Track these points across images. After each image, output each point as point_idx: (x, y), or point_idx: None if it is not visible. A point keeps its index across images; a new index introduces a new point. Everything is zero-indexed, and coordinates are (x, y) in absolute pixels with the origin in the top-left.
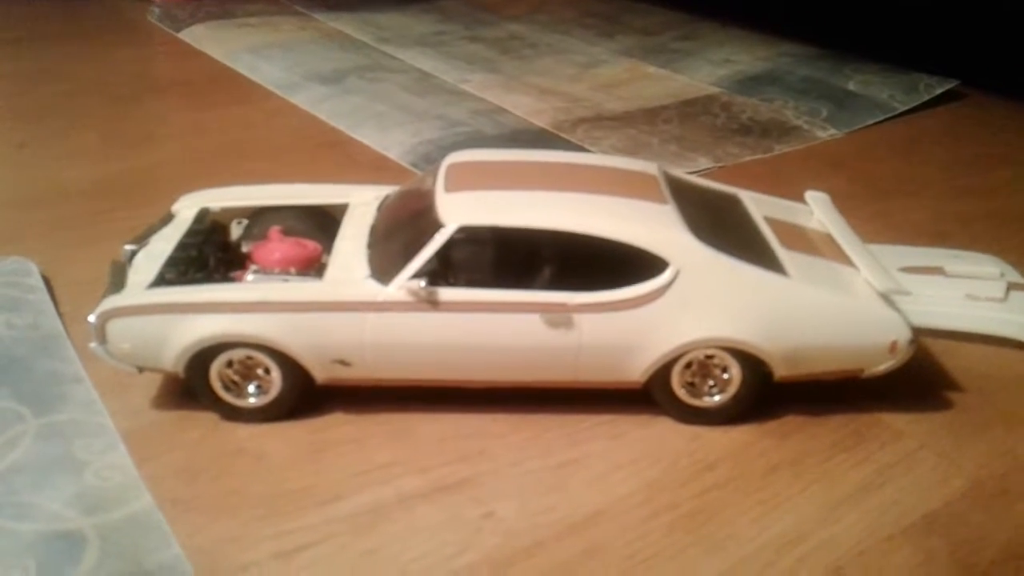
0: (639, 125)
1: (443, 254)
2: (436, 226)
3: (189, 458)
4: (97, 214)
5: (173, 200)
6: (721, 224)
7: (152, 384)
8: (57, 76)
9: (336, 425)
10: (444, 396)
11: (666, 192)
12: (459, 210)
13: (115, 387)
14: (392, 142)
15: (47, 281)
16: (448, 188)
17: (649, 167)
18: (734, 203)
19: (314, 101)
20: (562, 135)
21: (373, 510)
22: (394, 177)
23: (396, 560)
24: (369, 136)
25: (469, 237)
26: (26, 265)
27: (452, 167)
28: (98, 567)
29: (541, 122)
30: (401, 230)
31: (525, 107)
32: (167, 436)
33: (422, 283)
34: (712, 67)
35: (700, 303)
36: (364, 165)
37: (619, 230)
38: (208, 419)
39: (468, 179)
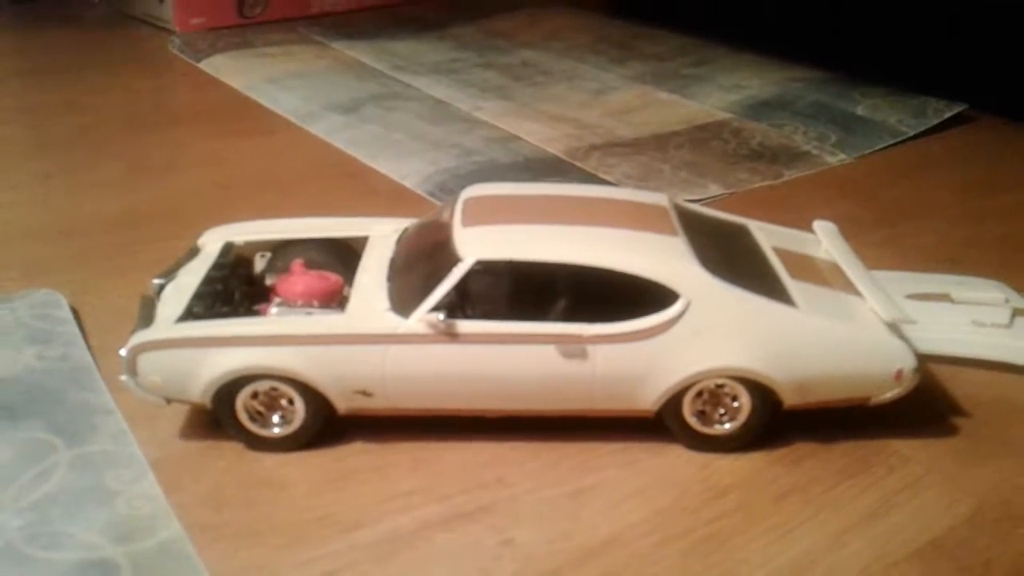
0: (651, 152)
1: (461, 287)
2: (454, 260)
3: (216, 487)
4: (123, 245)
5: (197, 231)
6: (730, 255)
7: (179, 415)
8: (79, 107)
9: (357, 454)
10: (462, 424)
11: (676, 224)
12: (476, 244)
13: (144, 418)
14: (409, 171)
15: (75, 313)
16: (465, 222)
17: (660, 199)
18: (743, 233)
19: (332, 130)
20: (575, 163)
21: (394, 538)
22: (412, 206)
23: None
24: (386, 165)
25: (486, 270)
26: (55, 297)
27: (469, 201)
28: None
29: (554, 149)
30: (420, 263)
31: (538, 134)
32: (194, 465)
33: (441, 316)
34: (723, 92)
35: (710, 333)
36: (382, 195)
37: (631, 263)
38: (233, 448)
39: (485, 213)
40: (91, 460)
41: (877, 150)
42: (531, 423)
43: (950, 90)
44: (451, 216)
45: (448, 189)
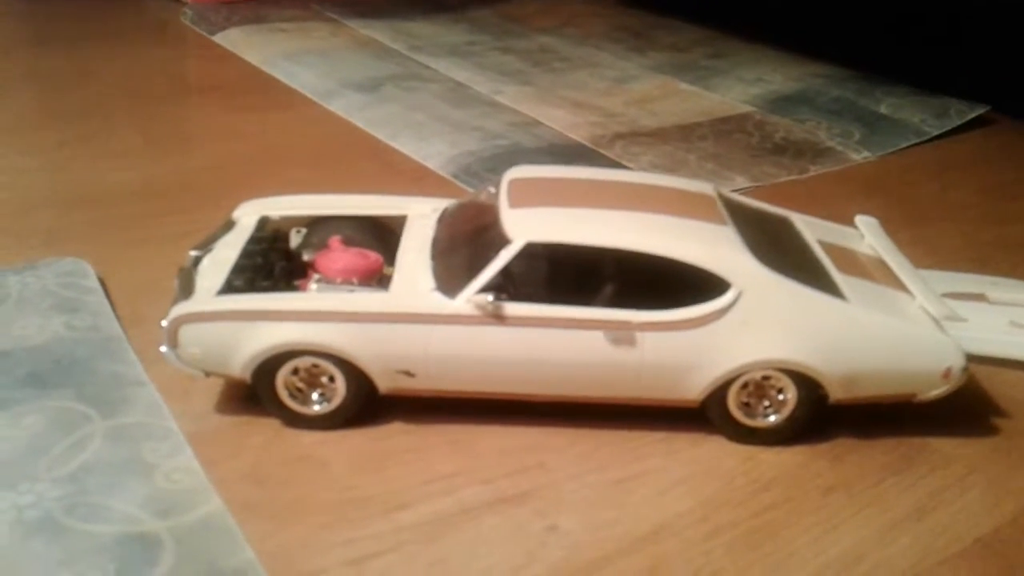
0: (675, 142)
1: (507, 269)
2: (503, 241)
3: (255, 463)
4: (145, 217)
5: (218, 205)
6: (777, 246)
7: (214, 389)
8: (93, 76)
9: (396, 434)
10: (500, 408)
11: (724, 213)
12: (526, 226)
13: (177, 391)
14: (432, 152)
15: (102, 282)
16: (513, 203)
17: (705, 187)
18: (787, 225)
19: (351, 109)
20: (600, 150)
21: (439, 520)
22: (435, 187)
23: (465, 571)
24: (408, 145)
25: (534, 253)
26: (82, 266)
27: (514, 182)
28: (175, 570)
29: (578, 136)
30: (465, 244)
31: (561, 121)
32: (232, 441)
33: (489, 297)
34: (744, 86)
35: (760, 324)
36: (405, 174)
37: (683, 251)
38: (271, 425)
39: (532, 195)
40: (126, 432)
41: (900, 149)
42: (570, 410)
43: (970, 92)
44: (496, 197)
45: (473, 172)
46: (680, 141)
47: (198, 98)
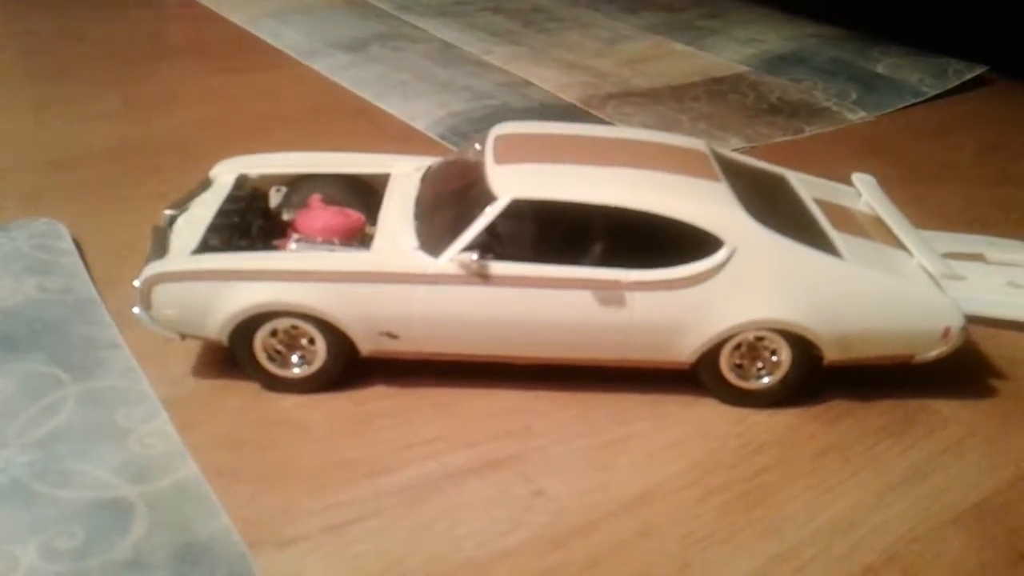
0: (668, 102)
1: (493, 227)
2: (488, 198)
3: (232, 427)
4: (122, 177)
5: (199, 165)
6: (772, 204)
7: (191, 352)
8: (71, 35)
9: (378, 398)
10: (485, 371)
11: (717, 169)
12: (512, 182)
13: (153, 354)
14: (418, 112)
15: (77, 244)
16: (499, 160)
17: (697, 144)
18: (782, 183)
19: (337, 68)
20: (591, 111)
21: (422, 484)
22: (423, 148)
23: (449, 535)
24: (394, 105)
25: (520, 210)
26: (56, 227)
27: (500, 138)
28: (148, 536)
29: (569, 97)
30: (449, 202)
31: (552, 81)
32: (208, 405)
33: (474, 256)
34: (738, 46)
35: (754, 284)
36: (391, 135)
37: (674, 207)
38: (249, 388)
39: (518, 151)
40: (100, 396)
41: (898, 109)
42: (556, 372)
43: (968, 52)
44: (481, 154)
45: (461, 132)
46: (673, 102)
47: (180, 58)
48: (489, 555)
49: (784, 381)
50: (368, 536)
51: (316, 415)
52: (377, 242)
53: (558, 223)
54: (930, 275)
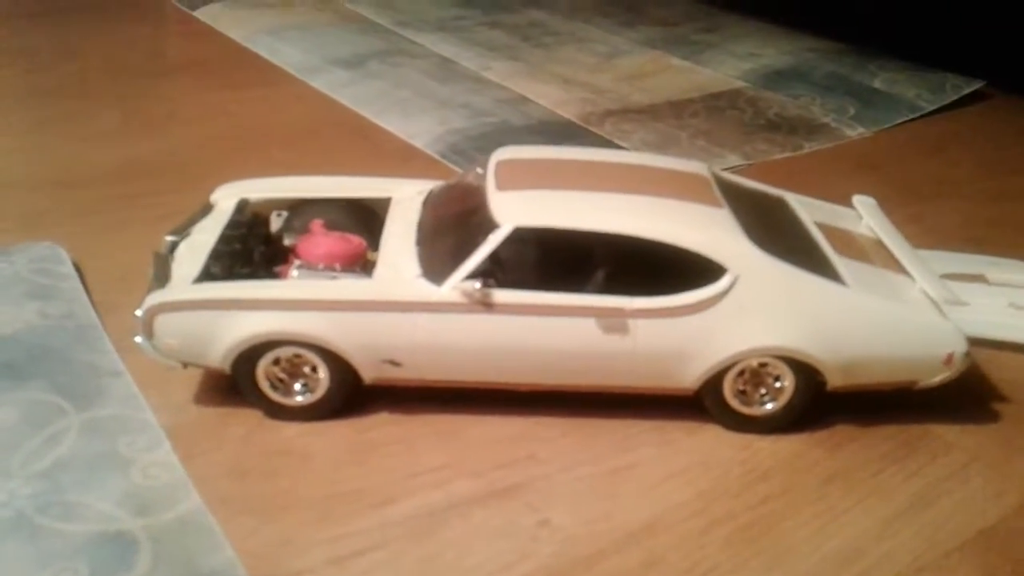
0: (666, 119)
1: (495, 254)
2: (491, 226)
3: (236, 457)
4: (123, 199)
5: (199, 186)
6: (774, 228)
7: (192, 379)
8: (71, 52)
9: (382, 425)
10: (489, 398)
11: (719, 195)
12: (515, 210)
13: (155, 382)
14: (418, 130)
15: (77, 268)
16: (500, 186)
17: (700, 168)
18: (782, 206)
19: (336, 85)
20: (590, 128)
21: (427, 515)
22: (423, 166)
23: (455, 568)
24: (394, 123)
25: (522, 238)
26: (56, 251)
27: (502, 164)
28: (152, 571)
29: (568, 113)
30: (451, 228)
31: (550, 97)
32: (211, 433)
33: (477, 284)
34: (736, 60)
35: (758, 310)
36: (391, 153)
37: (677, 235)
38: (252, 416)
39: (520, 177)
40: (102, 425)
41: (896, 124)
42: (560, 399)
43: (965, 66)
44: (483, 179)
45: (460, 150)
46: (672, 118)
47: (179, 75)
48: None
49: (788, 407)
50: (374, 569)
51: (319, 444)
52: (379, 270)
53: (561, 250)
54: (932, 300)
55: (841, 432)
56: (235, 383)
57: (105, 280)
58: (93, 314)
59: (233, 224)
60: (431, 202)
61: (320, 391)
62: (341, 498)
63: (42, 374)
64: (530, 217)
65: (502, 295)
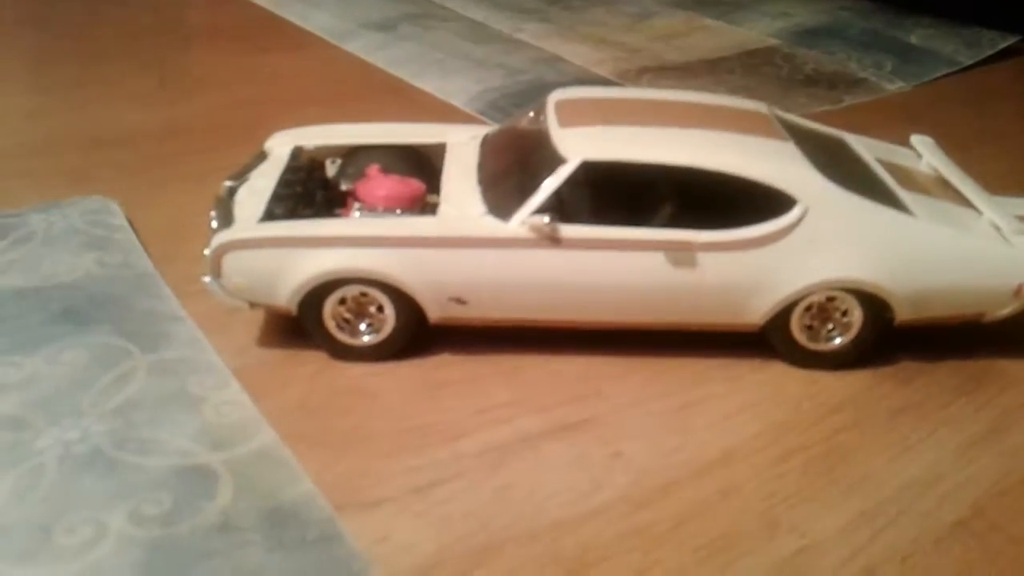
0: (703, 76)
1: (559, 191)
2: (556, 161)
3: (304, 395)
4: (166, 156)
5: (239, 144)
6: (838, 163)
7: (253, 323)
8: (104, 18)
9: (446, 365)
10: (549, 336)
11: (782, 130)
12: (581, 145)
13: (216, 326)
14: (455, 89)
15: (128, 221)
16: (563, 123)
17: (759, 105)
18: (842, 145)
19: (370, 49)
20: (627, 85)
21: (499, 448)
22: (464, 123)
23: (531, 497)
24: (431, 83)
25: (587, 173)
26: (108, 204)
27: (561, 103)
28: (234, 501)
29: (603, 71)
30: (513, 168)
31: (584, 56)
32: (277, 374)
33: (545, 218)
34: (769, 20)
35: (827, 243)
36: (429, 112)
37: (746, 166)
38: (316, 357)
39: (582, 114)
40: (169, 366)
41: (934, 79)
42: (620, 337)
43: (1000, 22)
44: (544, 119)
45: (499, 107)
46: (708, 75)
47: (211, 40)
48: (575, 515)
49: (856, 342)
50: (454, 497)
51: (386, 383)
52: (444, 208)
53: (625, 185)
54: (1001, 232)
55: (907, 367)
56: (297, 326)
57: (155, 232)
58: (149, 263)
59: (291, 169)
60: (488, 144)
61: (386, 330)
62: (413, 432)
63: (106, 319)
64: (597, 151)
65: (570, 230)
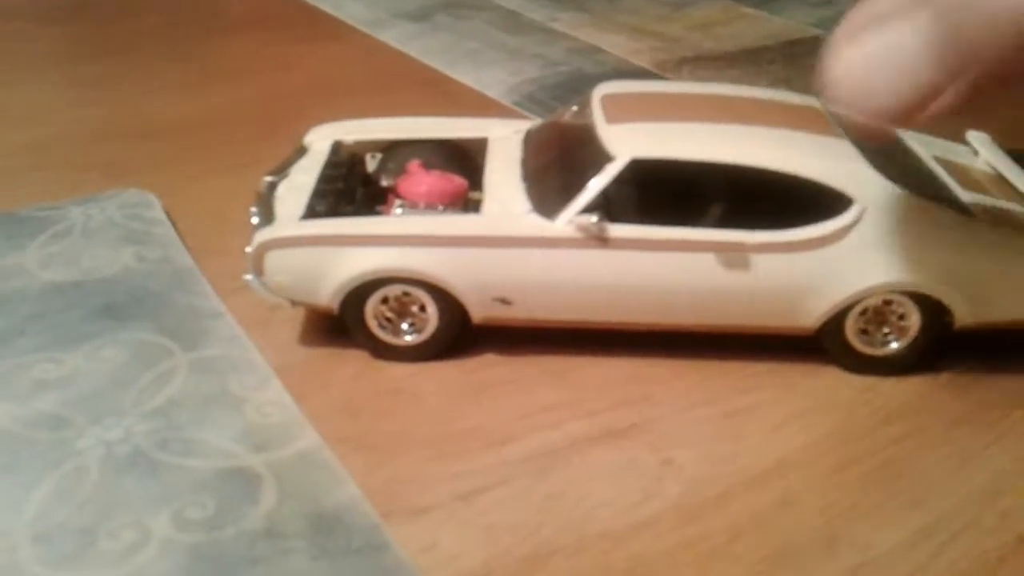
0: (743, 66)
1: (607, 189)
2: (604, 158)
3: (347, 396)
4: (203, 148)
5: (278, 135)
6: (894, 162)
7: (295, 320)
8: (137, 10)
9: (490, 366)
10: (595, 339)
11: (836, 126)
12: (630, 142)
13: (256, 323)
14: (491, 80)
15: (167, 214)
16: (610, 119)
17: (811, 100)
18: (898, 142)
19: (404, 39)
20: (666, 76)
21: (546, 453)
22: (500, 116)
23: (580, 505)
24: (466, 74)
25: (636, 171)
26: (147, 197)
27: (607, 98)
28: (279, 506)
29: (642, 61)
30: (558, 165)
31: (622, 47)
32: (319, 373)
33: (593, 218)
34: (810, 8)
35: (885, 244)
36: (466, 104)
37: (801, 165)
38: (358, 357)
39: (630, 110)
40: (210, 365)
41: None
42: (668, 340)
43: None
44: (589, 114)
45: (537, 99)
46: (749, 65)
47: (244, 30)
48: (626, 525)
49: (912, 347)
50: (500, 505)
51: (430, 384)
52: (488, 206)
53: (675, 183)
54: None
55: (964, 374)
56: (338, 325)
57: (194, 226)
58: (189, 258)
59: (331, 164)
60: (532, 140)
61: (428, 330)
62: (458, 436)
63: (146, 316)
64: (646, 148)
65: (618, 229)
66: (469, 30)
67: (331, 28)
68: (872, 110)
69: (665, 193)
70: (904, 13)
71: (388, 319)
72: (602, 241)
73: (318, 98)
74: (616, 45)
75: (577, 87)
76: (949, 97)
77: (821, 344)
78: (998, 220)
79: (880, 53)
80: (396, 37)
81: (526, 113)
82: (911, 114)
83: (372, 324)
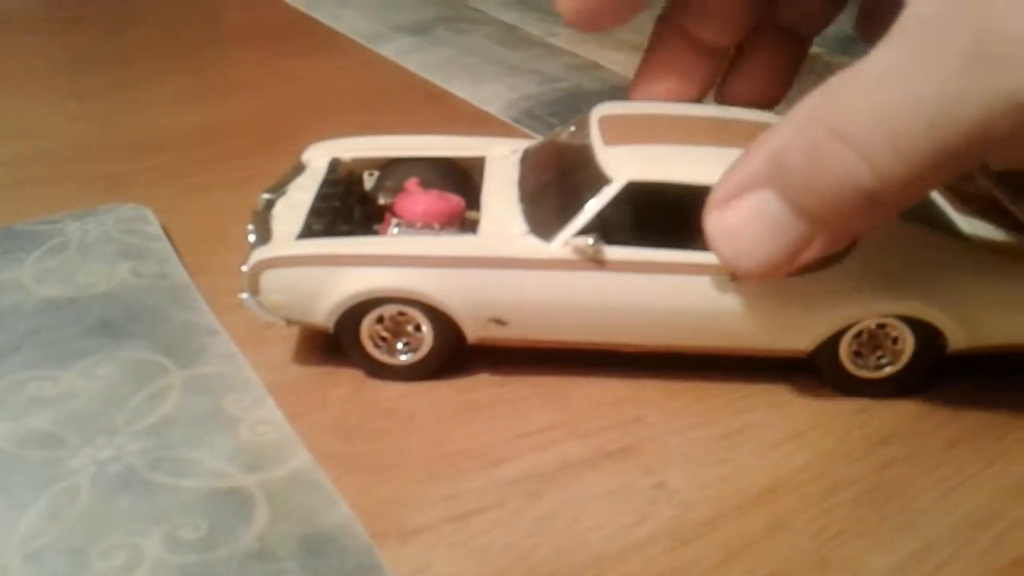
0: None
1: (604, 211)
2: (601, 181)
3: (340, 415)
4: (201, 162)
5: (277, 149)
6: None
7: (290, 338)
8: (135, 20)
9: (484, 386)
10: (589, 360)
11: None
12: (626, 164)
13: (251, 341)
14: (490, 96)
15: (164, 229)
16: (608, 141)
17: None
18: None
19: (403, 52)
20: None
21: (539, 475)
22: (498, 132)
23: (573, 528)
24: (464, 89)
25: (633, 193)
26: (144, 212)
27: (605, 119)
28: (271, 527)
29: None
30: (556, 185)
31: (622, 63)
32: (314, 392)
33: (589, 240)
34: None
35: (879, 269)
36: (463, 119)
37: None
38: (353, 376)
39: (628, 132)
40: (205, 383)
41: None
42: (663, 361)
43: None
44: (587, 135)
45: (535, 115)
46: None
47: (243, 42)
48: (618, 549)
49: (906, 370)
50: (493, 527)
51: (423, 404)
52: (484, 226)
53: (672, 205)
54: None
55: (960, 397)
56: (333, 343)
57: (191, 241)
58: (185, 273)
59: (329, 182)
60: (529, 160)
61: (423, 350)
62: (451, 458)
63: (141, 332)
64: (643, 171)
65: (614, 251)
66: (468, 44)
67: (329, 40)
68: (751, 270)
69: (662, 215)
70: (758, 188)
71: (383, 338)
72: (598, 263)
73: (316, 111)
74: (616, 61)
75: (576, 103)
76: (815, 248)
77: (816, 366)
78: (992, 243)
79: (750, 220)
80: (395, 51)
81: (524, 129)
82: (781, 270)
83: (367, 343)
